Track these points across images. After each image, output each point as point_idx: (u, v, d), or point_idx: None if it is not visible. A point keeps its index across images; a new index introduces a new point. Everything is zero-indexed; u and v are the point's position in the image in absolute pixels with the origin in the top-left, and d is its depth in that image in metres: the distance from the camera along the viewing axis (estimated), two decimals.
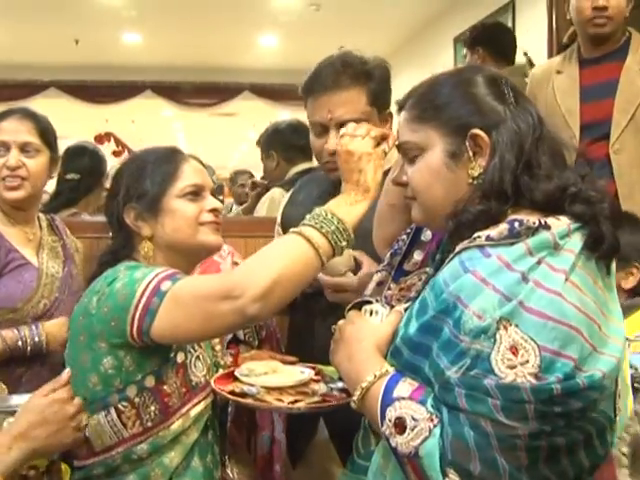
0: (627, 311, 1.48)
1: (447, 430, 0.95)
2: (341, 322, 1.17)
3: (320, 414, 1.67)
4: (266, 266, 1.20)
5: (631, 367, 1.33)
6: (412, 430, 0.96)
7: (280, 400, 1.32)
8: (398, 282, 1.26)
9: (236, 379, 1.42)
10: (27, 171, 1.86)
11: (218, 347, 1.58)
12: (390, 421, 0.98)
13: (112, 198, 1.51)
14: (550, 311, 0.94)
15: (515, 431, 0.92)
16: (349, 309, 1.19)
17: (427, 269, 1.22)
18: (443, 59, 5.90)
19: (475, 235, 1.03)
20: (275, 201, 2.91)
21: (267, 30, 7.29)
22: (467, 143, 1.08)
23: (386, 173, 1.33)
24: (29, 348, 1.77)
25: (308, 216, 1.26)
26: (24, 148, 1.86)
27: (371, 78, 1.65)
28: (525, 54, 3.48)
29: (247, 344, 1.89)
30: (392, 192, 1.28)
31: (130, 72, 7.92)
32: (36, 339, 1.78)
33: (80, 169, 2.88)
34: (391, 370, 1.05)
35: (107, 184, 3.09)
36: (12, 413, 1.32)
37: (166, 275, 1.32)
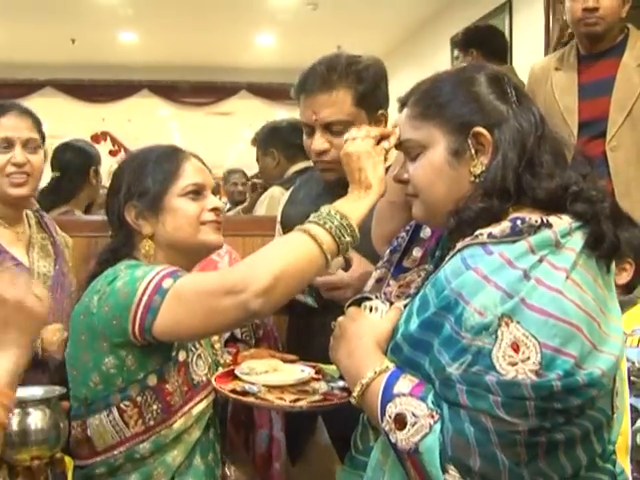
0: (624, 306, 1.48)
1: (447, 426, 0.95)
2: (341, 318, 1.17)
3: (320, 413, 1.67)
4: (269, 262, 1.20)
5: (628, 360, 1.34)
6: (412, 426, 0.97)
7: (281, 399, 1.32)
8: (397, 279, 1.26)
9: (236, 377, 1.42)
10: (32, 167, 1.85)
11: (217, 345, 1.58)
12: (390, 417, 0.99)
13: (113, 196, 1.50)
14: (551, 308, 0.95)
15: (515, 427, 0.92)
16: (349, 305, 1.19)
17: (426, 266, 1.22)
18: (440, 59, 5.89)
19: (477, 232, 1.04)
20: (275, 199, 2.90)
21: (264, 29, 7.26)
22: (469, 141, 1.09)
23: (386, 171, 1.34)
24: None
25: (312, 214, 1.26)
26: (27, 144, 1.85)
27: (358, 79, 1.65)
28: None
29: (244, 343, 1.88)
30: (391, 189, 1.28)
31: (126, 71, 7.88)
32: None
33: (61, 166, 2.85)
34: (391, 366, 1.05)
35: (103, 181, 3.10)
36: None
37: (167, 273, 1.32)
